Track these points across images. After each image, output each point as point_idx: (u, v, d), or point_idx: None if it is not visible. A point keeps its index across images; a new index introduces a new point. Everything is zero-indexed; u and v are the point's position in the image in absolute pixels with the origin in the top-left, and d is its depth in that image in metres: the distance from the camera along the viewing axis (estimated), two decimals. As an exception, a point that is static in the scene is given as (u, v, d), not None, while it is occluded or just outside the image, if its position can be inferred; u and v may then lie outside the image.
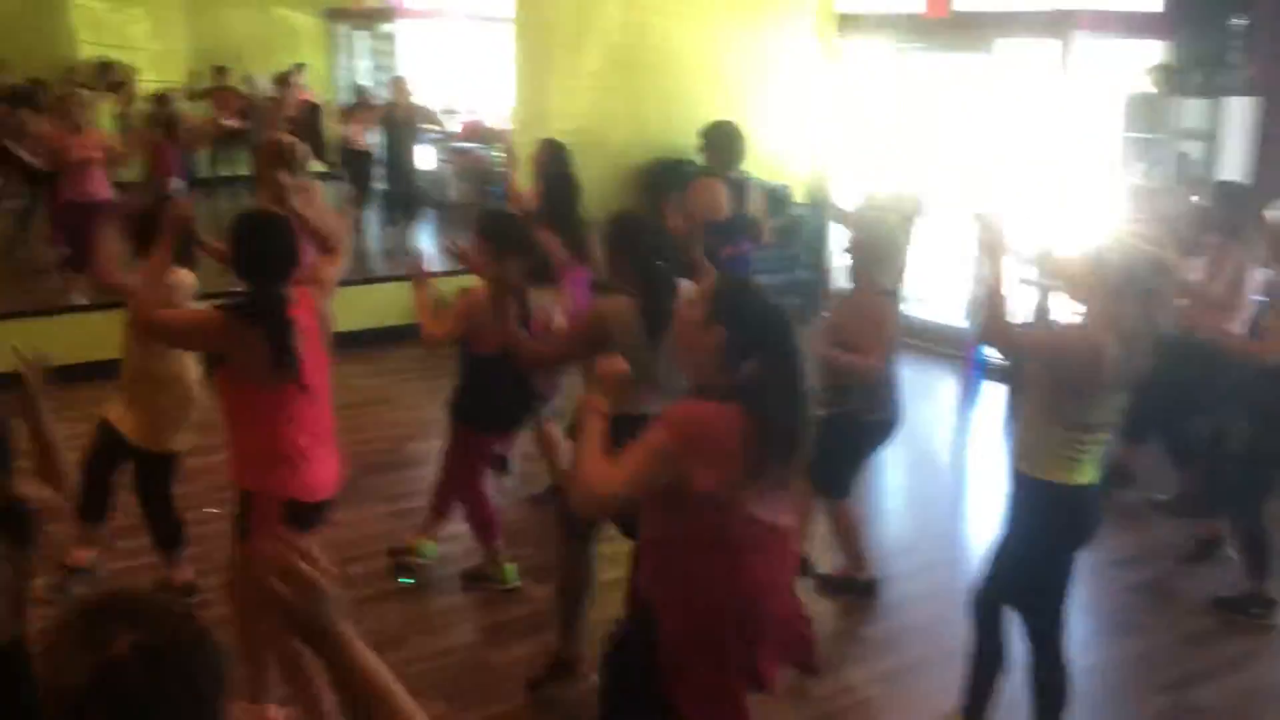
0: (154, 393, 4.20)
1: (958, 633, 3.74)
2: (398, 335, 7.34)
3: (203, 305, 3.68)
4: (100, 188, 7.83)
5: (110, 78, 11.50)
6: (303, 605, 1.46)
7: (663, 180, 8.80)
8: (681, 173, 8.89)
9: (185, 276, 4.12)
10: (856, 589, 4.70)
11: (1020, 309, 7.32)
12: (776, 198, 8.23)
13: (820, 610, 4.39)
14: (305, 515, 3.33)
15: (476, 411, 4.53)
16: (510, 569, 4.67)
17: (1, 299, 7.99)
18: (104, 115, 8.95)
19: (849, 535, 4.72)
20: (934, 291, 8.60)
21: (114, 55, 12.41)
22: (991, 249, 3.39)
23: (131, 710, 1.26)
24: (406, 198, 10.75)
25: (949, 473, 6.62)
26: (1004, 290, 3.33)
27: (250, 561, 3.31)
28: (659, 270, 3.57)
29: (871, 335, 4.31)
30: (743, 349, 2.48)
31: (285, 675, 3.46)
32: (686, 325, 2.61)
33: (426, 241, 10.65)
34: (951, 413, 7.25)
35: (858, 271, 4.49)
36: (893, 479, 6.23)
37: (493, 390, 4.43)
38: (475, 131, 11.78)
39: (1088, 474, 3.29)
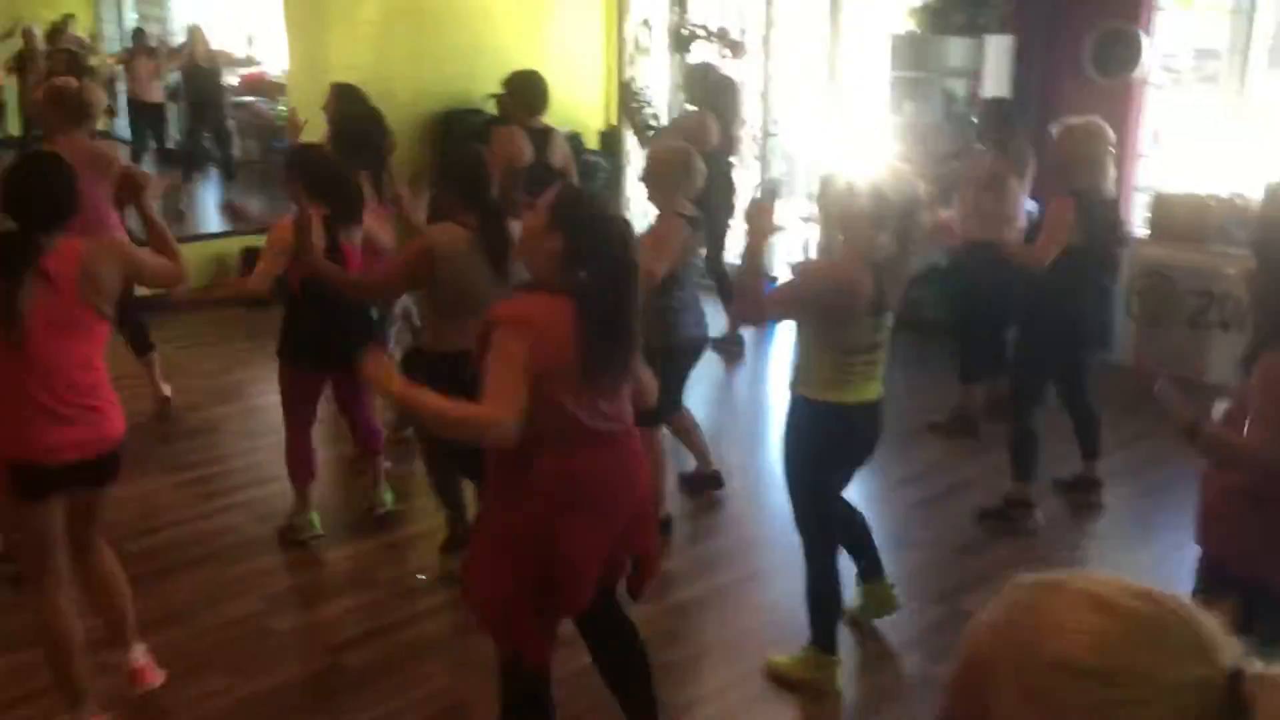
0: None
1: (765, 558, 3.92)
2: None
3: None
4: None
5: None
6: None
7: (453, 130, 8.70)
8: (472, 122, 8.81)
9: None
10: (710, 481, 5.13)
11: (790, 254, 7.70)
12: (571, 146, 8.23)
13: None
14: (44, 477, 3.15)
15: (297, 348, 4.47)
16: (314, 517, 4.65)
17: None
18: None
19: (690, 436, 5.08)
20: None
21: None
22: (758, 233, 3.52)
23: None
24: (197, 155, 10.24)
25: (750, 408, 6.84)
26: (758, 275, 3.54)
27: None
28: (494, 202, 3.63)
29: (650, 248, 4.37)
30: (580, 255, 2.66)
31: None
32: (528, 232, 2.80)
33: (212, 201, 10.22)
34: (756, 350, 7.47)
35: (650, 195, 4.59)
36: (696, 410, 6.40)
37: (312, 323, 4.37)
38: (257, 85, 11.29)
39: (859, 393, 3.48)
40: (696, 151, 4.65)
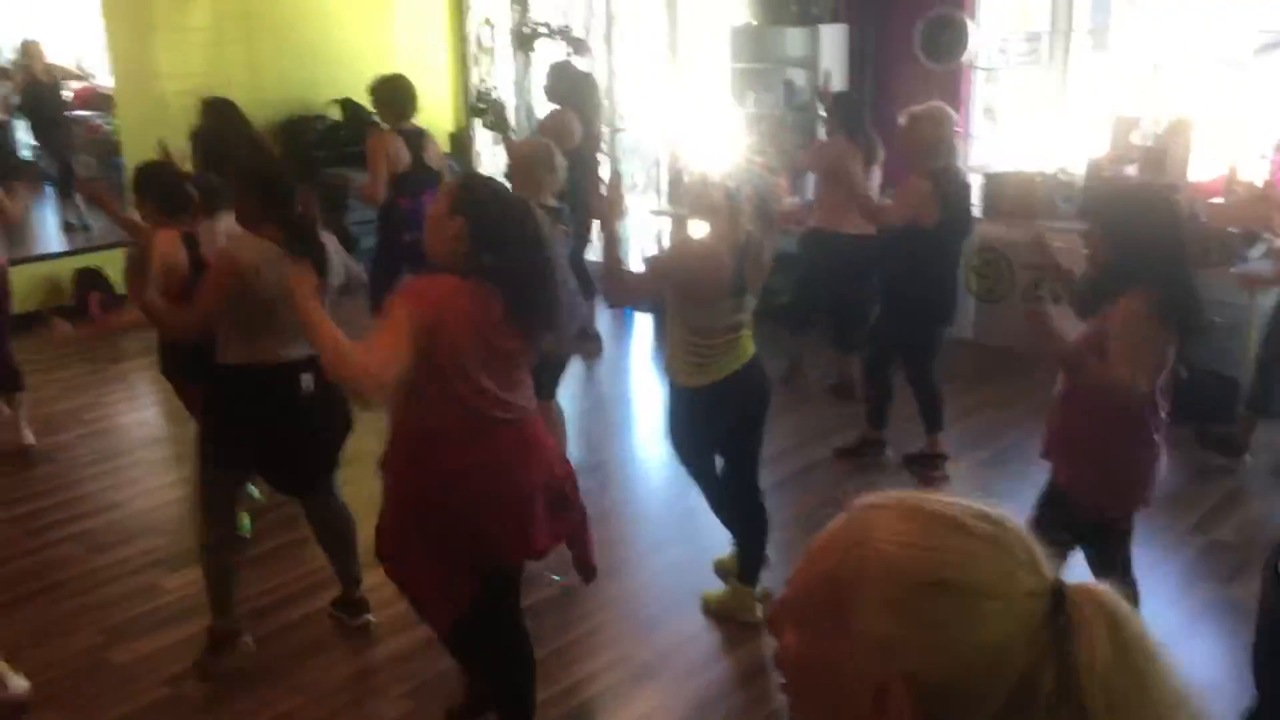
0: None
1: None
2: (37, 320, 6.74)
3: None
4: None
5: None
6: None
7: (297, 137, 8.51)
8: (315, 129, 8.64)
9: None
10: None
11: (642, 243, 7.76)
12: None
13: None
14: None
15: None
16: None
17: None
18: None
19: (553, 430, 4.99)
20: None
21: None
22: (613, 214, 3.59)
23: None
24: (63, 169, 9.81)
25: (610, 394, 6.84)
26: (618, 257, 3.61)
27: None
28: (300, 216, 3.52)
29: None
30: (484, 238, 2.72)
31: None
32: (432, 219, 2.82)
33: (51, 219, 9.78)
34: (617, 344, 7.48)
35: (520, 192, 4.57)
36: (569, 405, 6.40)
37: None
38: (91, 98, 10.85)
39: (725, 368, 3.64)
40: (559, 148, 4.65)
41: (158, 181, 4.19)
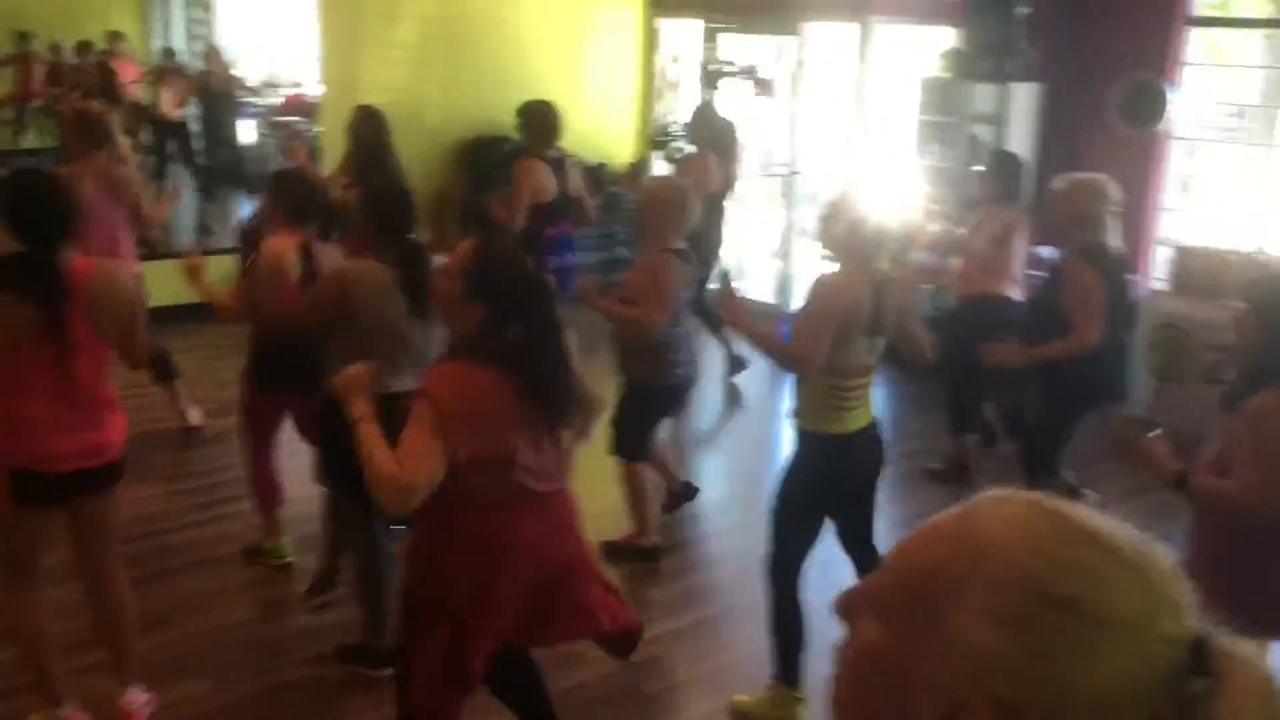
0: None
1: (750, 593, 3.87)
2: (205, 312, 7.12)
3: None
4: None
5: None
6: None
7: (482, 157, 8.79)
8: (501, 150, 8.90)
9: None
10: (640, 554, 4.79)
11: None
12: (594, 176, 8.29)
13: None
14: (44, 486, 3.20)
15: (259, 372, 4.45)
16: (285, 543, 4.61)
17: None
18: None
19: (638, 499, 4.82)
20: (746, 267, 8.86)
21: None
22: (735, 316, 3.65)
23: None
24: (226, 171, 10.46)
25: (761, 444, 6.79)
26: (759, 337, 3.61)
27: None
28: (412, 241, 3.62)
29: (650, 291, 4.39)
30: (503, 319, 2.62)
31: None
32: (447, 299, 2.72)
33: (235, 217, 10.37)
34: (763, 385, 7.44)
35: (643, 230, 4.60)
36: (705, 445, 6.42)
37: (275, 350, 4.34)
38: (296, 105, 11.48)
39: (855, 421, 3.52)
40: (696, 191, 4.67)
41: (291, 188, 4.35)
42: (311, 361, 4.39)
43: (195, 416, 5.98)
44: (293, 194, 4.32)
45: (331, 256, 4.24)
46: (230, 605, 4.26)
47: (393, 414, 2.72)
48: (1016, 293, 5.45)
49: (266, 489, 4.55)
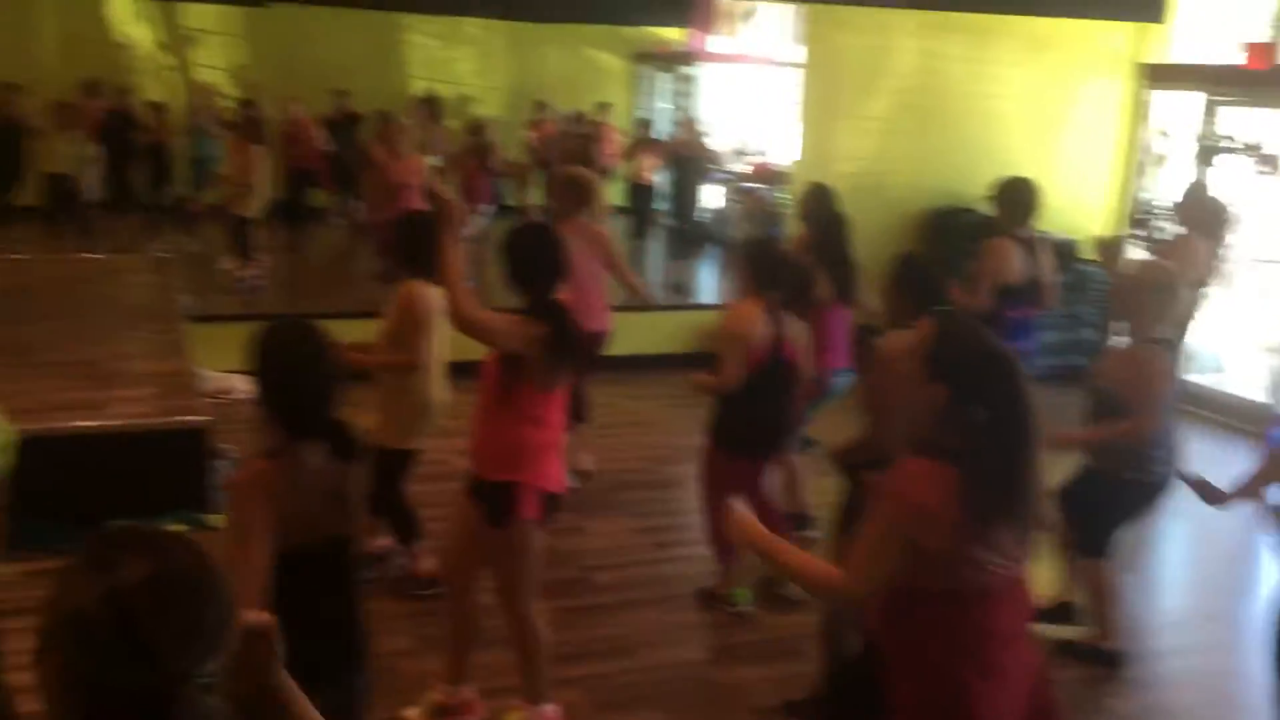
0: (400, 394, 4.46)
1: None
2: (668, 363, 7.61)
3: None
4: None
5: (432, 110, 12.52)
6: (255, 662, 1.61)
7: (943, 229, 8.69)
8: (963, 222, 8.75)
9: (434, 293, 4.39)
10: (1100, 659, 4.46)
11: None
12: (1063, 253, 7.91)
13: (1063, 677, 4.20)
14: (552, 504, 3.62)
15: (728, 433, 4.59)
16: (743, 593, 4.72)
17: (336, 300, 8.92)
18: (424, 143, 9.74)
19: (1101, 599, 4.50)
20: (1228, 360, 8.07)
21: (441, 89, 13.52)
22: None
23: (137, 634, 1.31)
24: (692, 234, 11.13)
25: (1235, 552, 6.12)
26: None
27: (512, 542, 3.57)
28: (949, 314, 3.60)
29: (1138, 389, 4.11)
30: (963, 405, 2.39)
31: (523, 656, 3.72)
32: (904, 379, 2.54)
33: (708, 277, 10.95)
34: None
35: (1122, 315, 4.33)
36: (1172, 551, 5.90)
37: (747, 412, 4.50)
38: (763, 173, 12.00)
39: None
40: (1181, 277, 4.31)
41: (761, 256, 4.54)
42: (772, 427, 4.55)
43: (587, 462, 6.24)
44: (762, 262, 4.52)
45: (795, 325, 4.42)
46: (685, 644, 4.46)
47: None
48: None
49: (724, 541, 4.72)
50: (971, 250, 8.25)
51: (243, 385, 7.11)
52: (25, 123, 9.97)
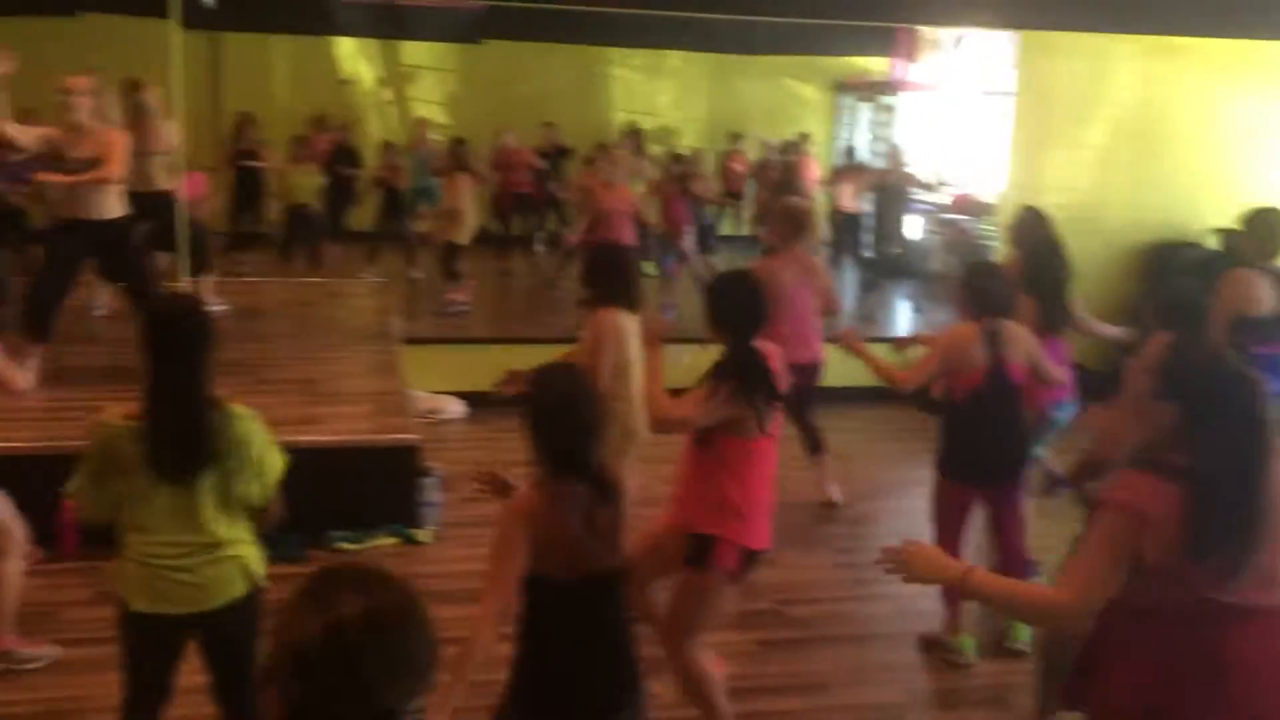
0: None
1: None
2: (870, 396, 7.49)
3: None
4: (627, 236, 8.65)
5: (637, 141, 12.76)
6: None
7: (1163, 264, 8.25)
8: (1186, 257, 8.30)
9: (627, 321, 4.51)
10: None
11: None
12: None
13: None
14: (752, 560, 3.58)
15: (953, 460, 4.46)
16: (968, 641, 4.52)
17: (540, 326, 9.17)
18: (632, 174, 9.92)
19: None
20: None
21: (642, 121, 13.78)
22: None
23: (353, 666, 1.39)
24: (891, 264, 10.94)
25: None
26: None
27: (698, 588, 3.57)
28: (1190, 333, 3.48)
29: None
30: (1196, 426, 2.34)
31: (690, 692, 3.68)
32: (1137, 395, 2.52)
33: (904, 308, 10.73)
34: None
35: None
36: None
37: (970, 437, 4.38)
38: (965, 204, 11.69)
39: None
40: None
41: (980, 279, 4.44)
42: (996, 453, 4.38)
43: (835, 493, 6.20)
44: (980, 285, 4.41)
45: (1020, 337, 4.35)
46: (883, 685, 4.34)
47: None
48: None
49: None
50: (1207, 286, 7.78)
51: (450, 406, 7.43)
52: (261, 153, 10.68)
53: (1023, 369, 4.38)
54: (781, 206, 6.30)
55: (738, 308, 3.61)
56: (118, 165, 5.87)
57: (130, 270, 6.25)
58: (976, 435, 4.36)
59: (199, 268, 7.67)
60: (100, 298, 7.61)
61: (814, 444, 6.24)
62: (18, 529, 3.99)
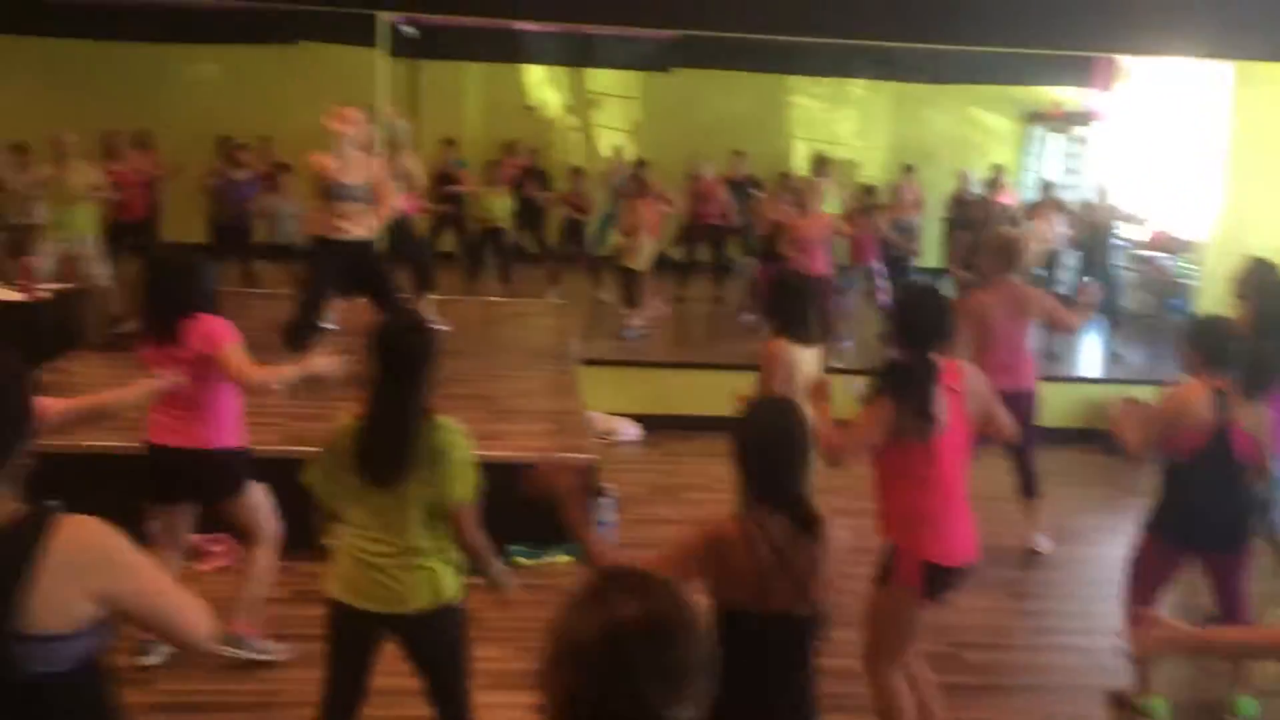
0: None
1: None
2: (1065, 437, 7.27)
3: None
4: (821, 265, 8.61)
5: (824, 169, 12.64)
6: None
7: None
8: None
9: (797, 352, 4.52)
10: None
11: None
12: None
13: None
14: (941, 578, 3.50)
15: (1168, 520, 4.23)
16: (1160, 702, 4.29)
17: (719, 352, 9.07)
18: (826, 202, 9.83)
19: None
20: None
21: (824, 149, 13.64)
22: None
23: (629, 667, 1.41)
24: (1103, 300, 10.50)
25: None
26: None
27: (884, 605, 3.55)
28: None
29: None
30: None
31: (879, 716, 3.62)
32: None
33: (1091, 347, 10.27)
34: None
35: None
36: None
37: (1191, 497, 4.14)
38: (1163, 241, 11.16)
39: None
40: None
41: (1209, 335, 4.21)
42: (1216, 519, 4.13)
43: (1044, 544, 5.96)
44: (1210, 341, 4.19)
45: (1255, 412, 4.10)
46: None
47: None
48: None
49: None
50: None
51: (626, 428, 7.53)
52: (456, 176, 11.10)
53: (1248, 436, 4.10)
54: (995, 238, 6.18)
55: (919, 320, 3.62)
56: (391, 192, 6.56)
57: (382, 285, 6.73)
58: (1192, 498, 4.11)
59: (423, 286, 8.02)
60: (331, 312, 8.00)
61: (1028, 487, 5.98)
62: (273, 523, 4.26)
